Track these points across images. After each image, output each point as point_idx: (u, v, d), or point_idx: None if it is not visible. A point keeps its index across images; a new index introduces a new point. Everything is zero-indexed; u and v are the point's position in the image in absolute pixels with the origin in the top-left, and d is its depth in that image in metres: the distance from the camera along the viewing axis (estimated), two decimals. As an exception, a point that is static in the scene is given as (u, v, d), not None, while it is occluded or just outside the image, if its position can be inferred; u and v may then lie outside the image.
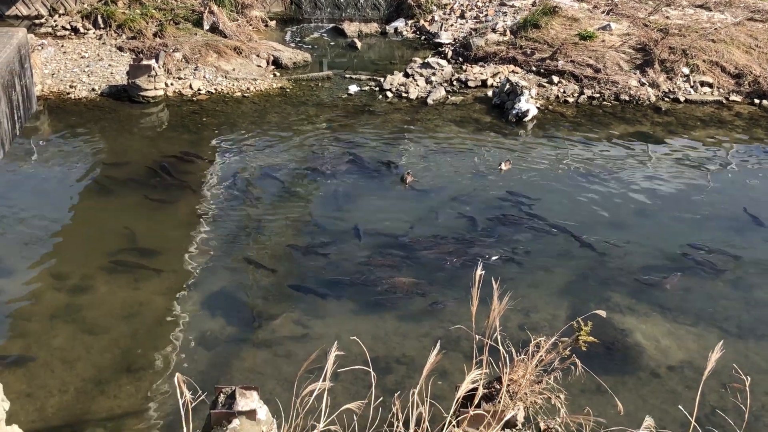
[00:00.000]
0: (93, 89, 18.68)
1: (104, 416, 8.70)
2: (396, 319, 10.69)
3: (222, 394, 7.08)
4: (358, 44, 23.91)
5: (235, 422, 6.71)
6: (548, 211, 13.81)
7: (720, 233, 13.30)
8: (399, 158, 15.79)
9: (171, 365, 9.64)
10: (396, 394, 6.41)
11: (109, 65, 19.90)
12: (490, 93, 19.69)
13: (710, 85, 20.22)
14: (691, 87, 20.14)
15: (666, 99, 19.75)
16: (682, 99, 19.70)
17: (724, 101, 19.73)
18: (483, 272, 6.51)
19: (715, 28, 21.71)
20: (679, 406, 7.30)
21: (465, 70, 21.01)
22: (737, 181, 15.77)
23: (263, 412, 6.91)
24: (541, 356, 7.08)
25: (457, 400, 6.57)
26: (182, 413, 5.54)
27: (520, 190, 14.72)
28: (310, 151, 16.12)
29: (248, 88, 19.55)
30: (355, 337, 6.95)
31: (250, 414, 6.81)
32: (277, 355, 9.85)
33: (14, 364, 9.37)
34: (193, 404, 5.63)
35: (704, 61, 20.34)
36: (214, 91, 19.27)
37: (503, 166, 15.13)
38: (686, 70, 20.34)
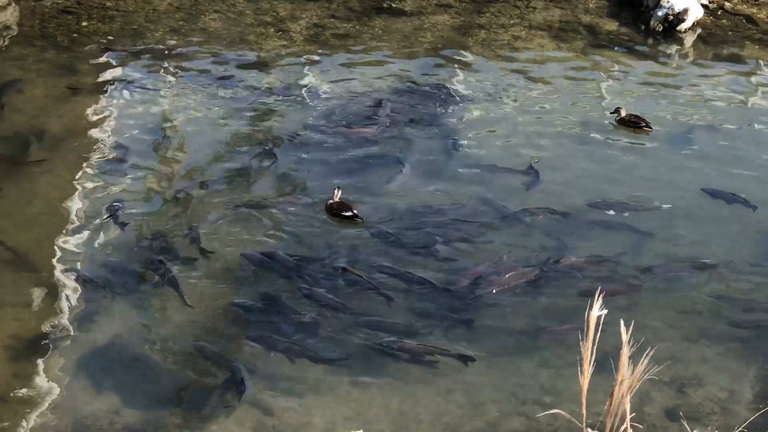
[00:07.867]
0: None
1: None
2: (437, 394, 8.10)
3: None
4: None
5: None
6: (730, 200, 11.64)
7: None
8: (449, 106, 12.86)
9: None
10: None
11: None
12: (614, -26, 16.98)
13: None
14: None
15: None
16: None
17: None
18: (604, 311, 5.23)
19: None
20: None
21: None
22: None
23: None
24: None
25: None
26: None
27: (672, 166, 12.03)
28: (279, 95, 13.08)
29: (166, -38, 17.23)
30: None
31: None
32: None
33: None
34: None
35: None
36: (102, -32, 16.83)
37: None
38: None
